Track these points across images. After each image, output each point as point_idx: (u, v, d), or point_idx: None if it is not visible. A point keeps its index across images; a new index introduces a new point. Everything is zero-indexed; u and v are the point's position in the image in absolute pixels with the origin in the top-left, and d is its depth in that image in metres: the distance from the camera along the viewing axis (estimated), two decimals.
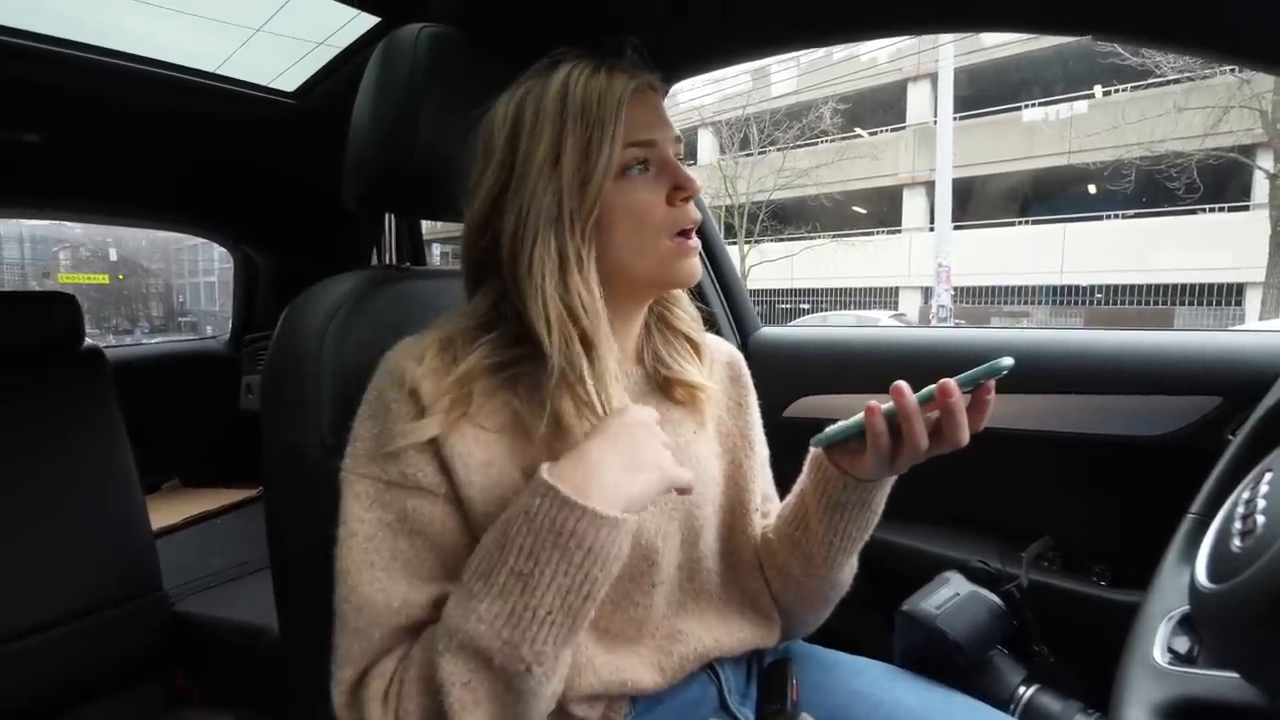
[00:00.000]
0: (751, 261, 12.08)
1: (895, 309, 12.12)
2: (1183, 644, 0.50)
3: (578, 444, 0.49)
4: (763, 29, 0.85)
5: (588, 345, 0.53)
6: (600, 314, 0.54)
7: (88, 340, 1.23)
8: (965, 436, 0.52)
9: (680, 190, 0.57)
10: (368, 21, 1.03)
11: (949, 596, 0.75)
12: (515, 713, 0.46)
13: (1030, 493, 1.02)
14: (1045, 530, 0.98)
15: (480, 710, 0.45)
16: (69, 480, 1.13)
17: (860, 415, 0.55)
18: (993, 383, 0.51)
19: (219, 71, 1.20)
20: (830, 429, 0.58)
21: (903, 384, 0.52)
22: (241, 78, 1.23)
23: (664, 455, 0.50)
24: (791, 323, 7.47)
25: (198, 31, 1.18)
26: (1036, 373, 0.97)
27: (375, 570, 0.50)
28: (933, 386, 0.51)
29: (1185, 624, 0.51)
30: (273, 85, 1.25)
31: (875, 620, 0.90)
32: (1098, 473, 0.96)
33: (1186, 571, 0.51)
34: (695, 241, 0.58)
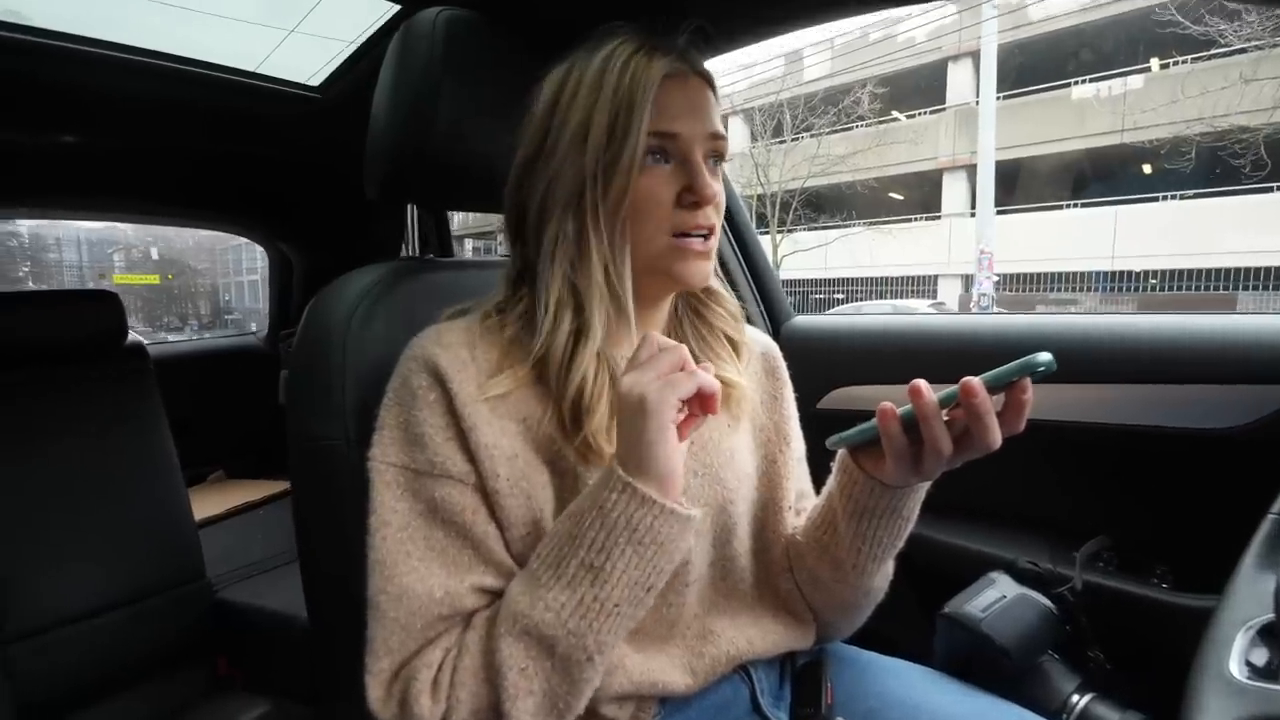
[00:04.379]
0: (784, 251, 11.90)
1: (934, 298, 11.80)
2: (1261, 656, 0.46)
3: (621, 427, 0.46)
4: None
5: (579, 333, 0.52)
6: (615, 299, 0.52)
7: (132, 336, 1.27)
8: (996, 440, 0.47)
9: (690, 193, 0.53)
10: (389, 11, 1.03)
11: (995, 599, 0.71)
12: (565, 703, 0.46)
13: (1085, 489, 0.96)
14: (1100, 529, 0.92)
15: (532, 699, 0.45)
16: (115, 472, 1.16)
17: None
18: (1028, 380, 0.46)
19: (244, 69, 1.21)
20: (847, 431, 0.54)
21: (921, 383, 0.47)
22: (267, 74, 1.23)
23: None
24: (826, 312, 7.36)
25: (225, 31, 1.19)
26: (1094, 360, 0.91)
27: (412, 560, 0.49)
28: (955, 386, 0.46)
29: (1266, 634, 0.47)
30: (298, 80, 1.26)
31: (916, 622, 0.86)
32: (1161, 468, 0.89)
33: (1268, 577, 0.47)
34: (701, 245, 0.54)
